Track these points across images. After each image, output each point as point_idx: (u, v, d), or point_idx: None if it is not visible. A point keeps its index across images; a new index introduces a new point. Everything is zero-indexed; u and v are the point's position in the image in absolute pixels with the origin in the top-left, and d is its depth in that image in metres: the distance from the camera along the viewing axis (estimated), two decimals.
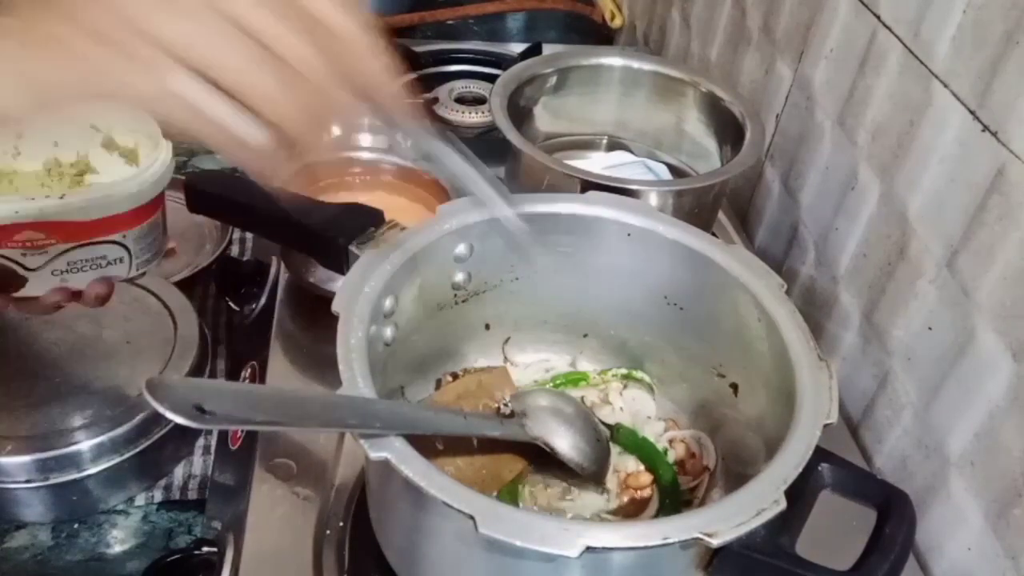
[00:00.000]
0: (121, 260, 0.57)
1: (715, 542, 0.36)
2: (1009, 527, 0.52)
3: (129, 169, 0.68)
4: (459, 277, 0.55)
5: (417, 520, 0.44)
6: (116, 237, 0.56)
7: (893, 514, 0.41)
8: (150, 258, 0.60)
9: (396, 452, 0.38)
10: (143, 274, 0.60)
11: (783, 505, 0.38)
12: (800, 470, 0.39)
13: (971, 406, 0.55)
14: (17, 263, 0.54)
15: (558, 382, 0.59)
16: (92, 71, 0.34)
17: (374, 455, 0.38)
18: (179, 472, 0.70)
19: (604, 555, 0.38)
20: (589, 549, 0.35)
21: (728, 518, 0.37)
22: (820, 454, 0.42)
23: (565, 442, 0.51)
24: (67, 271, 0.55)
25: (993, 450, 0.53)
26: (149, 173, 0.59)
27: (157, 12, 0.33)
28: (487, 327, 0.60)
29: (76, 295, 0.57)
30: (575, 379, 0.60)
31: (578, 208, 0.55)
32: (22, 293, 0.55)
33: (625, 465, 0.55)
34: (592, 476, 0.52)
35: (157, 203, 0.60)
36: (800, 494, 0.41)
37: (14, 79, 0.33)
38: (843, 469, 0.43)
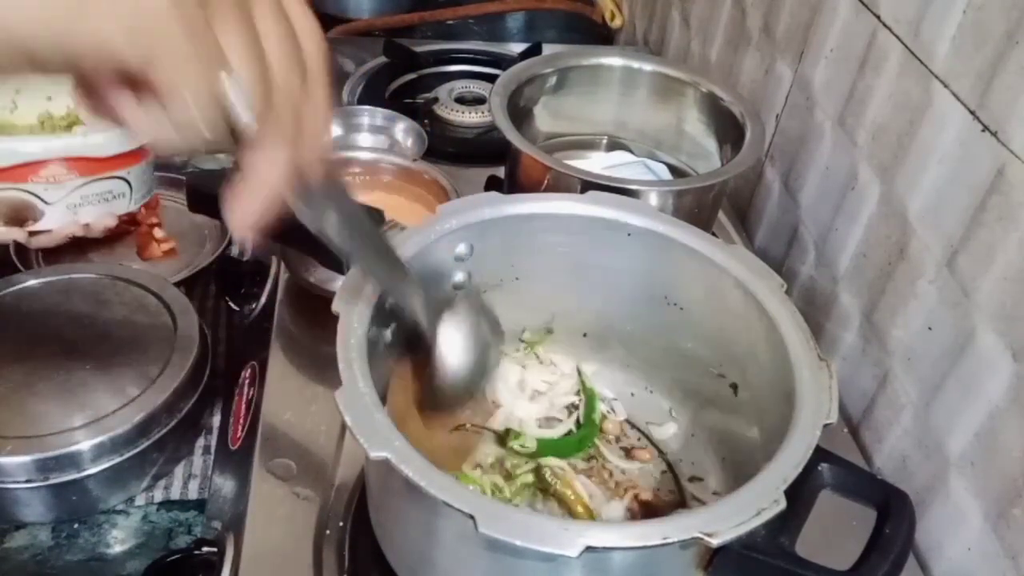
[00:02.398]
0: (123, 195, 0.64)
1: (715, 542, 0.36)
2: (1009, 527, 0.52)
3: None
4: (459, 277, 0.55)
5: (417, 520, 0.44)
6: (122, 172, 0.63)
7: (893, 514, 0.41)
8: (144, 194, 0.66)
9: (396, 451, 0.38)
10: (139, 209, 0.67)
11: (783, 505, 0.38)
12: (800, 470, 0.39)
13: (971, 406, 0.55)
14: (38, 197, 0.60)
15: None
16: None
17: (374, 454, 0.38)
18: (179, 472, 0.70)
19: (604, 555, 0.38)
20: (589, 549, 0.35)
21: (728, 518, 0.37)
22: (820, 454, 0.42)
23: (453, 348, 0.50)
24: (79, 204, 0.62)
25: (993, 450, 0.53)
26: None
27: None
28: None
29: (85, 228, 0.63)
30: None
31: (578, 208, 0.55)
32: (38, 226, 0.59)
33: None
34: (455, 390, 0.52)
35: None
36: (800, 494, 0.41)
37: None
38: (843, 469, 0.43)
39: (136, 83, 0.29)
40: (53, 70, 0.28)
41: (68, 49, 0.27)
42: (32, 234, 0.62)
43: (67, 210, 0.61)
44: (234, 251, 0.84)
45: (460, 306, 0.51)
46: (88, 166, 0.61)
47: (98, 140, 0.61)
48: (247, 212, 0.33)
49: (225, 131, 0.30)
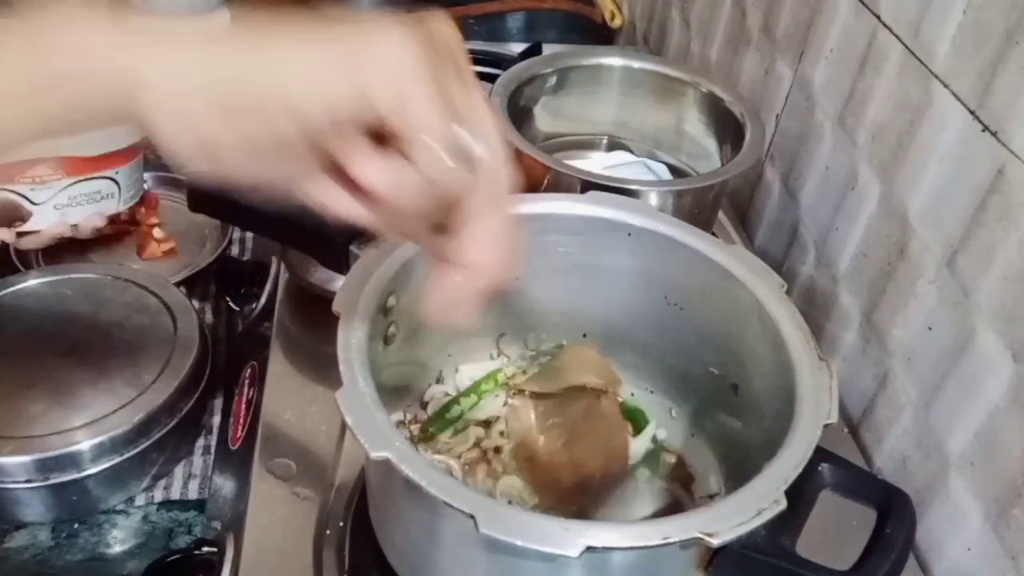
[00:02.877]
0: (112, 195, 0.64)
1: (715, 542, 0.36)
2: (1009, 527, 0.52)
3: None
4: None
5: (418, 520, 0.44)
6: (110, 173, 0.63)
7: (893, 514, 0.42)
8: (133, 195, 0.66)
9: (396, 451, 0.38)
10: (127, 209, 0.67)
11: (783, 505, 0.38)
12: (800, 470, 0.39)
13: (971, 406, 0.55)
14: (25, 197, 0.60)
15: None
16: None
17: (375, 454, 0.38)
18: (179, 472, 0.70)
19: (604, 555, 0.38)
20: (589, 549, 0.35)
21: (728, 518, 0.37)
22: (820, 454, 0.42)
23: None
24: (68, 205, 0.62)
25: (993, 450, 0.53)
26: None
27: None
28: (487, 327, 0.60)
29: (73, 228, 0.64)
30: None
31: (578, 208, 0.55)
32: (26, 227, 0.59)
33: None
34: None
35: (140, 145, 0.66)
36: (800, 494, 0.41)
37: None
38: (843, 469, 0.43)
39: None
40: (311, 123, 0.32)
41: (334, 103, 0.31)
42: (20, 235, 0.61)
43: (55, 211, 0.61)
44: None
45: None
46: (76, 166, 0.61)
47: (86, 139, 0.61)
48: (471, 303, 0.36)
49: (454, 180, 0.33)
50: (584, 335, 0.61)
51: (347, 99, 0.31)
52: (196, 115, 0.31)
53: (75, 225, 0.63)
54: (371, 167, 0.32)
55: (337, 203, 0.34)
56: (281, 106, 0.31)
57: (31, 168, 0.59)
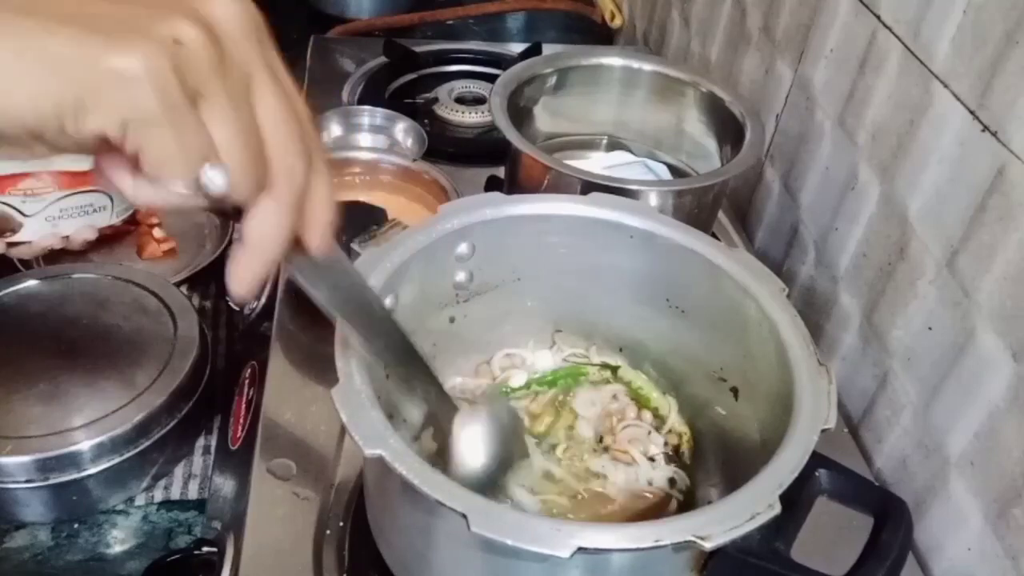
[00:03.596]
0: (105, 208, 0.63)
1: (708, 545, 0.36)
2: (1009, 527, 0.51)
3: None
4: (460, 277, 0.55)
5: (412, 519, 0.44)
6: (102, 186, 0.61)
7: (890, 521, 0.41)
8: (127, 207, 0.65)
9: (390, 449, 0.38)
10: (121, 222, 0.66)
11: (778, 509, 0.38)
12: (796, 475, 0.39)
13: (971, 406, 0.55)
14: (16, 209, 0.60)
15: (555, 377, 0.59)
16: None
17: (368, 452, 0.38)
18: (179, 472, 0.70)
19: (597, 556, 0.38)
20: (581, 550, 0.35)
21: (722, 521, 0.37)
22: (817, 460, 0.41)
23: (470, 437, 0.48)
24: (59, 217, 0.61)
25: (993, 450, 0.53)
26: None
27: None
28: (488, 328, 0.60)
29: (64, 240, 0.63)
30: (574, 373, 0.60)
31: (580, 209, 0.55)
32: (16, 238, 0.59)
33: None
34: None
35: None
36: (796, 499, 0.41)
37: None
38: (840, 475, 0.43)
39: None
40: (56, 146, 0.29)
41: (69, 136, 0.28)
42: (10, 245, 0.61)
43: (46, 222, 0.61)
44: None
45: (477, 408, 0.50)
46: (68, 179, 0.60)
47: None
48: (245, 278, 0.34)
49: (215, 205, 0.31)
50: (585, 336, 0.61)
51: (79, 135, 0.28)
52: None
53: (66, 237, 0.63)
54: (117, 175, 0.30)
55: (122, 183, 0.31)
56: (13, 129, 0.27)
57: (23, 180, 0.59)
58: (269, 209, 0.32)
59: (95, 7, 0.28)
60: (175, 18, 0.28)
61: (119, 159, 0.30)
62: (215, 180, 0.30)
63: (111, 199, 0.63)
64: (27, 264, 0.80)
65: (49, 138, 0.28)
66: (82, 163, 0.60)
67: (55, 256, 0.79)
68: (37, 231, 0.61)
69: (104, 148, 0.29)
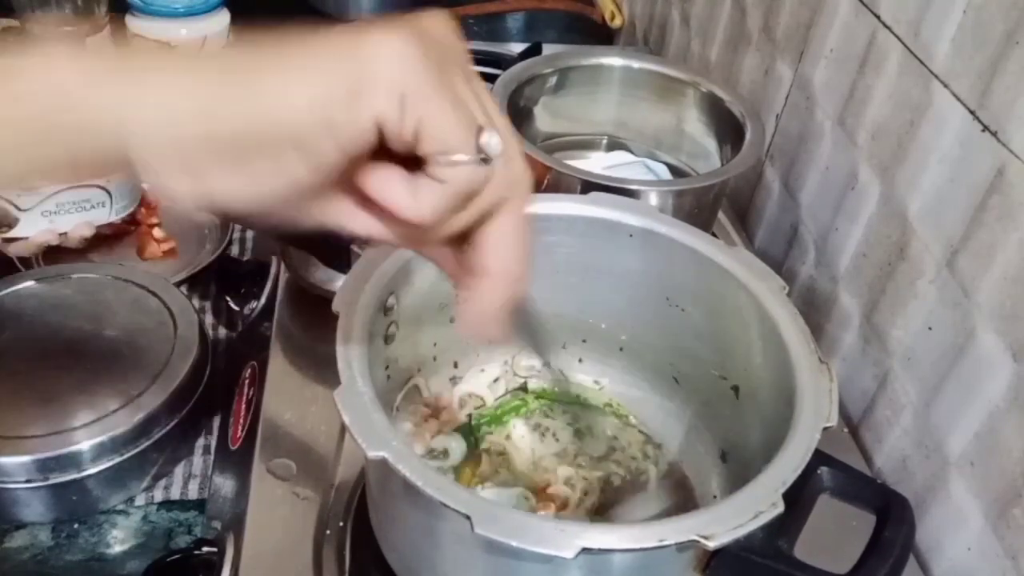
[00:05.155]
0: (103, 204, 0.63)
1: (711, 544, 0.36)
2: (1009, 527, 0.52)
3: None
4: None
5: (415, 520, 0.44)
6: (101, 182, 0.62)
7: (892, 518, 0.41)
8: (126, 204, 0.65)
9: (393, 451, 0.38)
10: (120, 220, 0.66)
11: (780, 508, 0.38)
12: (798, 473, 0.39)
13: (971, 406, 0.55)
14: (11, 203, 0.58)
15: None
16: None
17: (372, 454, 0.38)
18: (179, 472, 0.70)
19: (600, 556, 0.38)
20: (585, 550, 0.35)
21: (725, 520, 0.37)
22: (819, 457, 0.42)
23: None
24: (55, 212, 0.62)
25: (993, 450, 0.53)
26: None
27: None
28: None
29: (61, 236, 0.63)
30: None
31: (580, 209, 0.55)
32: (13, 233, 0.59)
33: None
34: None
35: None
36: (798, 497, 0.41)
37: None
38: (842, 473, 0.43)
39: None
40: (322, 157, 0.29)
41: (342, 134, 0.29)
42: (7, 240, 0.60)
43: (42, 217, 0.60)
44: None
45: None
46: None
47: None
48: (487, 319, 0.35)
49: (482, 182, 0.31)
50: (586, 337, 0.61)
51: (361, 130, 0.29)
52: (191, 151, 0.28)
53: (64, 233, 0.62)
54: (390, 188, 0.30)
55: (353, 222, 0.32)
56: (284, 135, 0.28)
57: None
58: (518, 208, 0.33)
59: (338, 35, 0.30)
60: (402, 27, 0.30)
61: (387, 172, 0.30)
62: (492, 141, 0.30)
63: (110, 196, 0.62)
64: (27, 264, 0.80)
65: (311, 144, 0.29)
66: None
67: (54, 255, 0.79)
68: (33, 226, 0.60)
69: (343, 172, 0.30)
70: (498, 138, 0.31)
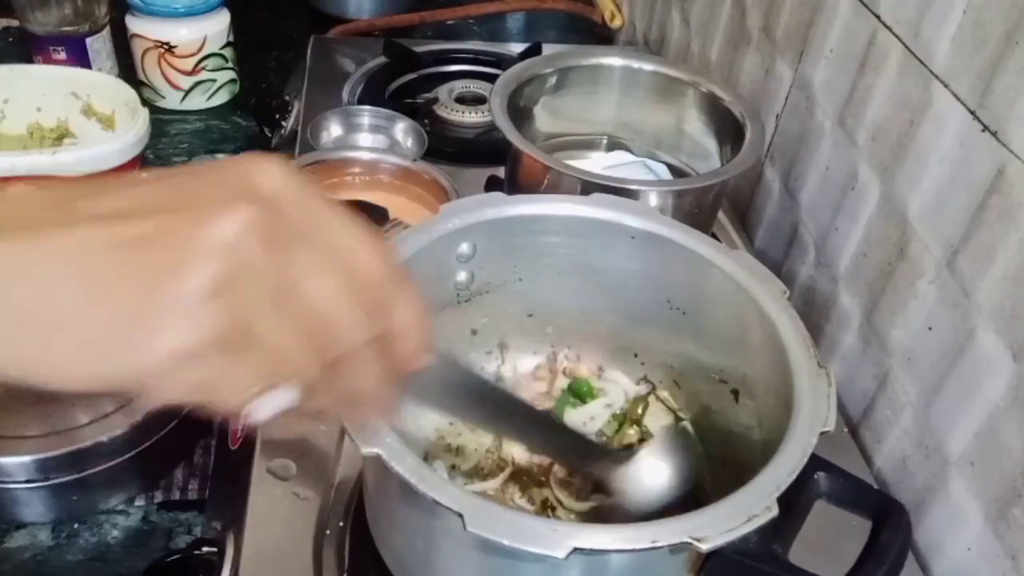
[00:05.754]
0: None
1: (704, 547, 0.36)
2: (1009, 527, 0.51)
3: (105, 134, 0.78)
4: (462, 276, 0.55)
5: (410, 518, 0.44)
6: None
7: (888, 524, 0.41)
8: None
9: (387, 448, 0.38)
10: None
11: (775, 512, 0.38)
12: (794, 477, 0.39)
13: (971, 406, 0.55)
14: None
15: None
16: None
17: (366, 450, 0.38)
18: (179, 472, 0.70)
19: (593, 557, 0.38)
20: (576, 550, 0.35)
21: (719, 523, 0.37)
22: (816, 463, 0.41)
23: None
24: None
25: (993, 450, 0.53)
26: (131, 135, 0.65)
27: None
28: (489, 328, 0.60)
29: None
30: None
31: (581, 210, 0.55)
32: None
33: None
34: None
35: (133, 165, 0.66)
36: (794, 502, 0.41)
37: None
38: (838, 478, 0.43)
39: None
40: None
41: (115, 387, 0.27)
42: None
43: None
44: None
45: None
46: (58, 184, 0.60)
47: (66, 159, 0.59)
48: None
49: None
50: (586, 337, 0.61)
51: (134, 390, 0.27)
52: None
53: None
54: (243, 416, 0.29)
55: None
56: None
57: (11, 185, 0.58)
58: (357, 374, 0.31)
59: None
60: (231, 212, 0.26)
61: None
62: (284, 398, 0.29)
63: None
64: None
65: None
66: (71, 168, 0.59)
67: None
68: None
69: None
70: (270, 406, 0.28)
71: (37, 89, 0.87)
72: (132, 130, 0.76)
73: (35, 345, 0.26)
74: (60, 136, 0.87)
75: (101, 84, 0.89)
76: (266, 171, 0.28)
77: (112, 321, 0.26)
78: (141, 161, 0.70)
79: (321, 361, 0.29)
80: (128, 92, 0.86)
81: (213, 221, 0.26)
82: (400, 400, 0.35)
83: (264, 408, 0.29)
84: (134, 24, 1.00)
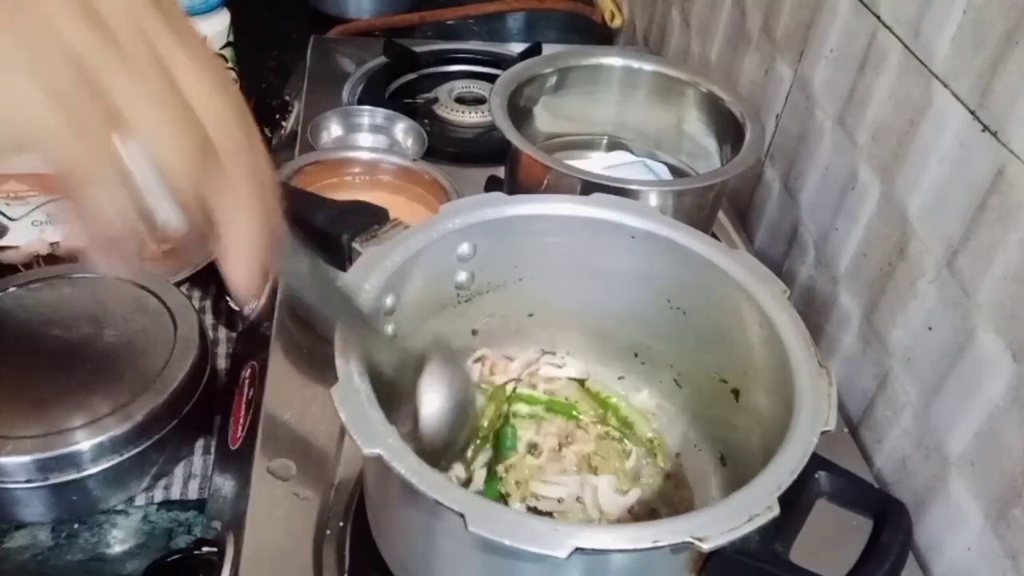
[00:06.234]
0: None
1: (705, 546, 0.36)
2: (1009, 527, 0.51)
3: None
4: (462, 276, 0.55)
5: (411, 518, 0.44)
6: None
7: (889, 523, 0.41)
8: None
9: (389, 448, 0.38)
10: None
11: (776, 511, 0.38)
12: (795, 477, 0.39)
13: (971, 406, 0.55)
14: (1, 212, 0.56)
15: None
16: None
17: (367, 451, 0.38)
18: (179, 472, 0.70)
19: (594, 557, 0.38)
20: (578, 550, 0.35)
21: (720, 523, 0.37)
22: (817, 462, 0.41)
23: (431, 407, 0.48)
24: (46, 222, 0.59)
25: (993, 450, 0.53)
26: None
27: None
28: (490, 328, 0.60)
29: (52, 246, 0.61)
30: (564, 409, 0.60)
31: (581, 210, 0.55)
32: (3, 242, 0.58)
33: None
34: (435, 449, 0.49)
35: None
36: (795, 501, 0.41)
37: None
38: (840, 477, 0.43)
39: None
40: None
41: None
42: None
43: (32, 227, 0.60)
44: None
45: (436, 362, 0.50)
46: (50, 183, 0.60)
47: None
48: (248, 283, 0.32)
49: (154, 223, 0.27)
50: (586, 337, 0.61)
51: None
52: None
53: (55, 243, 0.62)
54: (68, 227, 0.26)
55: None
56: None
57: (5, 183, 0.58)
58: (237, 202, 0.29)
59: None
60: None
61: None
62: (142, 164, 0.26)
63: None
64: (27, 264, 0.80)
65: None
66: None
67: (53, 256, 0.79)
68: (24, 235, 0.60)
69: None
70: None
71: None
72: None
73: None
74: None
75: None
76: None
77: None
78: None
79: (98, 155, 0.27)
80: None
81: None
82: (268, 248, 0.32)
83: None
84: None
